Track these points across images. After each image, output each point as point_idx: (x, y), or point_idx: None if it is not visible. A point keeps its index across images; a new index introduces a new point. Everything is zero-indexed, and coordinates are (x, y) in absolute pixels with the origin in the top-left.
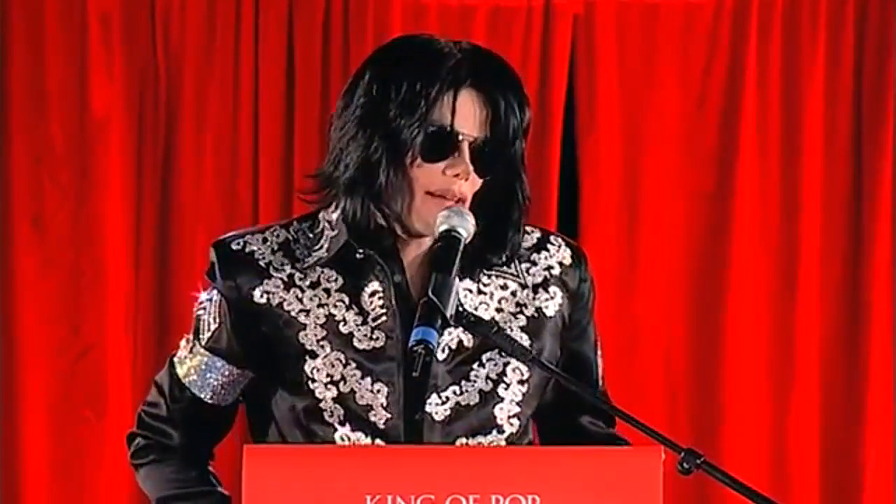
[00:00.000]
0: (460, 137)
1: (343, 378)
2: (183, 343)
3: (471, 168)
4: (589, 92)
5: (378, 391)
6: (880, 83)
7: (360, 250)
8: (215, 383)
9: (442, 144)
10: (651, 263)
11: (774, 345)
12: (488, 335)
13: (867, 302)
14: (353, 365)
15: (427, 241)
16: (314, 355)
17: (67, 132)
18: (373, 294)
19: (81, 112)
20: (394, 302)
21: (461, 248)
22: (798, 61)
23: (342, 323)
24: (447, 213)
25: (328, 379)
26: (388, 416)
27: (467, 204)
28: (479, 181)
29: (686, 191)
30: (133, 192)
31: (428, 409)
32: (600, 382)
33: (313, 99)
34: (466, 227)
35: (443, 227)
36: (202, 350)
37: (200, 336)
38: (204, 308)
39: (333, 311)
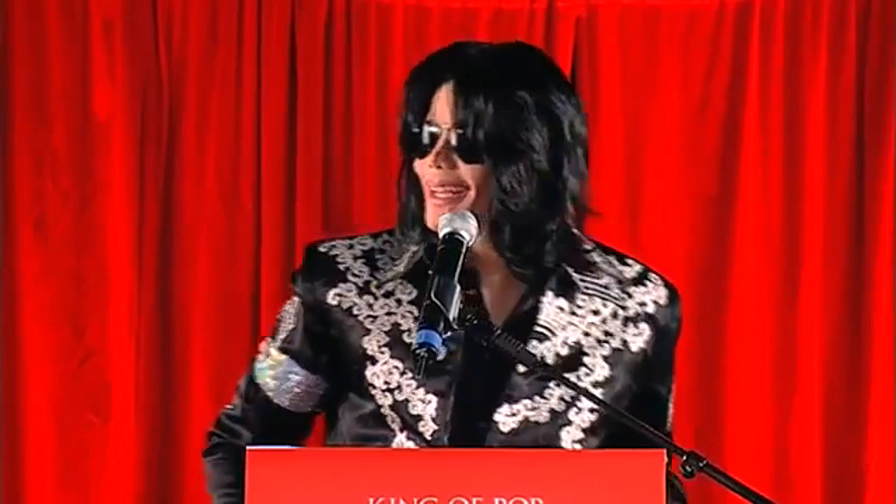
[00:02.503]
0: (436, 129)
1: (399, 386)
2: (262, 345)
3: (443, 154)
4: (591, 95)
5: (429, 402)
6: (882, 86)
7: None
8: (290, 388)
9: (416, 138)
10: (653, 266)
11: (777, 347)
12: (492, 339)
13: (869, 304)
14: (409, 375)
15: (500, 260)
16: (374, 361)
17: (69, 136)
18: None
19: (84, 116)
20: (458, 318)
21: (464, 250)
22: (800, 64)
23: (407, 333)
24: (449, 216)
25: (385, 386)
26: (435, 428)
27: (471, 193)
28: (471, 167)
29: (688, 194)
30: (135, 195)
31: (497, 417)
32: (668, 423)
33: (316, 102)
34: (468, 230)
35: (445, 230)
36: (275, 351)
37: (276, 337)
38: (285, 310)
39: (401, 321)
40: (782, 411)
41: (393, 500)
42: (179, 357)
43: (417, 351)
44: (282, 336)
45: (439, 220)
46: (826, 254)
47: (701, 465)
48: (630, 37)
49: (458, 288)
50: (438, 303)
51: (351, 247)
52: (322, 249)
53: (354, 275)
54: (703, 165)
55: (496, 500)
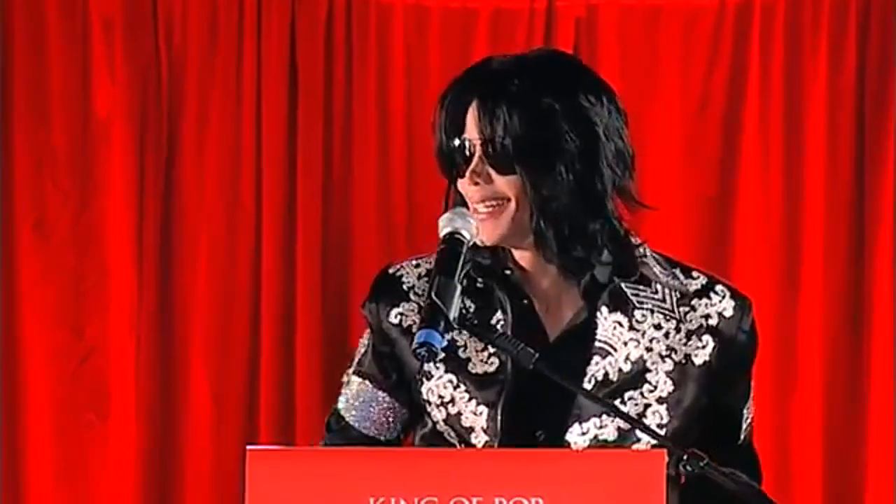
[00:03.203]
0: (467, 145)
1: (452, 400)
2: (344, 377)
3: (477, 170)
4: None
5: (480, 413)
6: (882, 86)
7: (480, 280)
8: (370, 414)
9: (452, 158)
10: None
11: (777, 347)
12: (491, 338)
13: (869, 304)
14: (463, 388)
15: (550, 268)
16: (430, 376)
17: (70, 135)
18: (497, 322)
19: (84, 115)
20: (511, 331)
21: (464, 250)
22: (800, 64)
23: (462, 348)
24: (449, 215)
25: (439, 400)
26: (486, 439)
27: (511, 205)
28: (506, 179)
29: (688, 194)
30: (135, 195)
31: (568, 437)
32: (741, 437)
33: (316, 101)
34: (469, 230)
35: (446, 230)
36: (352, 376)
37: (352, 363)
38: (362, 337)
39: (456, 336)
40: (782, 411)
41: (393, 500)
42: (179, 357)
43: (417, 350)
44: (356, 360)
45: (439, 220)
46: (826, 253)
47: (701, 464)
48: (630, 36)
49: (459, 288)
50: (439, 302)
51: (417, 266)
52: (391, 271)
53: (417, 294)
54: (704, 166)
55: (496, 500)
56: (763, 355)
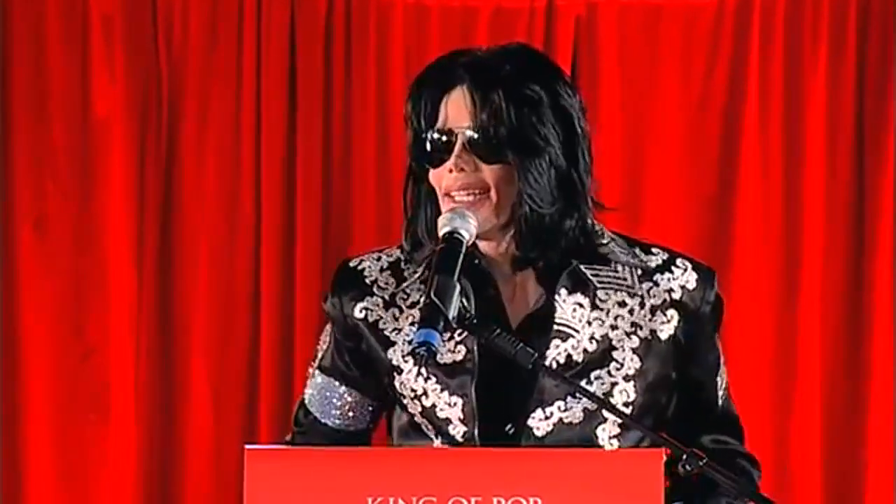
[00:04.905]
0: (454, 134)
1: (425, 392)
2: (309, 369)
3: (464, 157)
4: (591, 93)
5: (454, 404)
6: (882, 85)
7: None
8: (336, 407)
9: (432, 146)
10: None
11: (777, 347)
12: (489, 338)
13: (869, 303)
14: (434, 379)
15: (512, 260)
16: (399, 371)
17: (69, 134)
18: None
19: (83, 114)
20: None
21: (464, 249)
22: (800, 63)
23: None
24: (449, 215)
25: (413, 394)
26: (465, 429)
27: (492, 195)
28: (493, 168)
29: (688, 193)
30: (135, 193)
31: (530, 422)
32: (720, 403)
33: (316, 100)
34: (468, 229)
35: (445, 229)
36: (315, 372)
37: (316, 358)
38: (324, 330)
39: None
40: (782, 411)
41: (391, 500)
42: (179, 357)
43: (417, 350)
44: (319, 356)
45: (439, 219)
46: (826, 252)
47: (701, 463)
48: (630, 35)
49: (458, 287)
50: (438, 302)
51: (379, 259)
52: (352, 264)
53: (381, 287)
54: (703, 164)
55: (495, 500)
56: (763, 355)
